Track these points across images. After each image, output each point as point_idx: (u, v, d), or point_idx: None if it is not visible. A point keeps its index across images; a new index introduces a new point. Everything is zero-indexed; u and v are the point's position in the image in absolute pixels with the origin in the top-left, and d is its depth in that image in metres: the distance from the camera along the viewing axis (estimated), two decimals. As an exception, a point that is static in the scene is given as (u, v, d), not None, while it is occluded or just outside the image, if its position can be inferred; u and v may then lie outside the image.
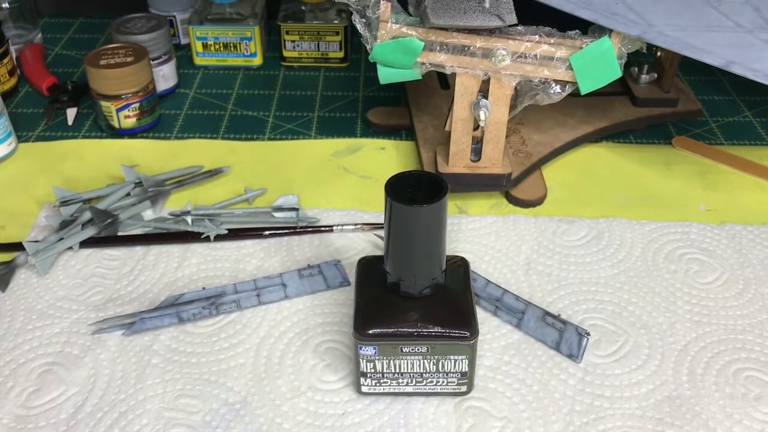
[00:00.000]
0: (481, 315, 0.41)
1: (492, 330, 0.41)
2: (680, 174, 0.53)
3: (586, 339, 0.39)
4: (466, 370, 0.36)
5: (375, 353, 0.35)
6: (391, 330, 0.34)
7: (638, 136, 0.57)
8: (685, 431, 0.36)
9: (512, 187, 0.50)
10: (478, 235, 0.47)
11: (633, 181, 0.52)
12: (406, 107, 0.57)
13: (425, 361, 0.35)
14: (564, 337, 0.39)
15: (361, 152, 0.55)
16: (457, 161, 0.48)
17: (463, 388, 0.37)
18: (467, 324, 0.34)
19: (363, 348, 0.35)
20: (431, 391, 0.37)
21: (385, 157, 0.54)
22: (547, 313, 0.40)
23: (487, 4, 0.40)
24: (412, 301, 0.35)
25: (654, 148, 0.56)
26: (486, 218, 0.48)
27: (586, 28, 0.43)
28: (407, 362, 0.35)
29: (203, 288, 0.43)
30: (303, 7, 0.65)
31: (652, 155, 0.55)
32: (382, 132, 0.57)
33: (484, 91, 0.44)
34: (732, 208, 0.50)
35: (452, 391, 0.37)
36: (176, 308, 0.41)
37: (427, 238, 0.33)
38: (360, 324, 0.35)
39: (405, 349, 0.35)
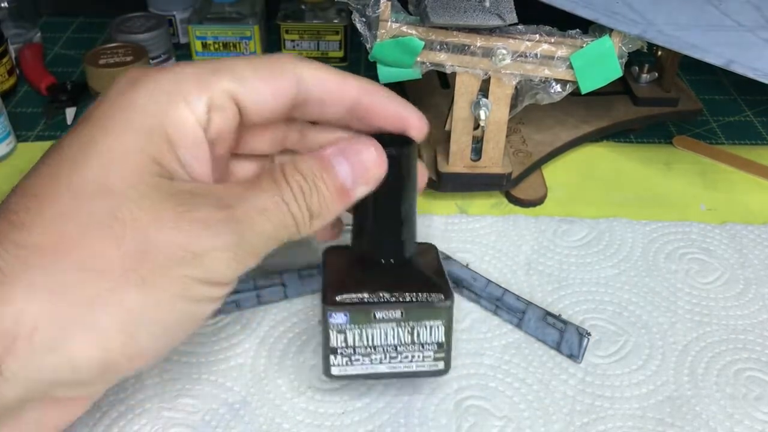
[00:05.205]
0: (482, 314, 0.41)
1: (492, 329, 0.41)
2: (681, 173, 0.53)
3: (586, 339, 0.39)
4: (443, 340, 0.34)
5: (346, 321, 0.33)
6: (362, 294, 0.33)
7: (639, 135, 0.57)
8: (686, 431, 0.36)
9: (512, 187, 0.50)
10: (478, 235, 0.47)
11: (633, 181, 0.52)
12: (406, 107, 0.57)
13: (399, 329, 0.34)
14: (564, 337, 0.39)
15: (361, 152, 0.55)
16: (457, 161, 0.47)
17: (440, 365, 0.35)
18: (441, 287, 0.34)
19: (333, 315, 0.33)
20: (406, 370, 0.35)
21: (385, 157, 0.54)
22: (548, 313, 0.40)
23: (487, 3, 0.40)
24: (384, 270, 0.34)
25: (654, 148, 0.56)
26: (486, 218, 0.48)
27: (586, 27, 0.43)
28: (380, 331, 0.34)
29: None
30: (303, 7, 0.65)
31: (653, 155, 0.55)
32: (382, 131, 0.57)
33: (484, 91, 0.44)
34: (733, 207, 0.50)
35: (429, 369, 0.35)
36: (176, 308, 0.41)
37: (392, 196, 0.33)
38: (330, 291, 0.33)
39: (378, 315, 0.33)
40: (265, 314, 0.41)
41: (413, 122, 0.34)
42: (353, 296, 0.33)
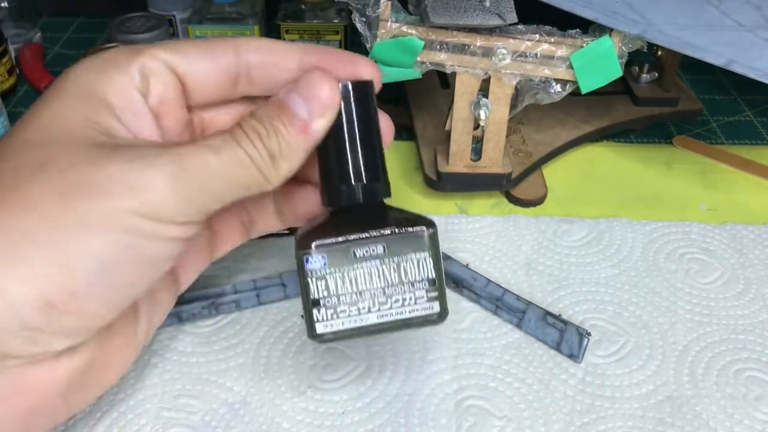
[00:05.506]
0: (482, 314, 0.41)
1: (492, 329, 0.41)
2: (681, 173, 0.53)
3: (586, 339, 0.39)
4: (433, 275, 0.32)
5: (325, 265, 0.31)
6: (339, 236, 0.31)
7: (639, 135, 0.57)
8: (686, 431, 0.36)
9: (512, 187, 0.50)
10: (478, 235, 0.47)
11: (633, 181, 0.52)
12: (406, 107, 0.57)
13: (384, 267, 0.31)
14: (565, 337, 0.39)
15: (361, 152, 0.55)
16: (457, 161, 0.47)
17: (435, 307, 0.32)
18: (422, 220, 0.32)
19: (310, 260, 0.30)
20: (399, 317, 0.32)
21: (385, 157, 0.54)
22: (548, 313, 0.40)
23: (487, 3, 0.40)
24: (358, 215, 0.32)
25: (654, 148, 0.56)
26: (486, 218, 0.48)
27: (586, 27, 0.43)
28: (364, 272, 0.31)
29: (203, 288, 0.43)
30: (303, 6, 0.65)
31: (653, 154, 0.55)
32: (382, 131, 0.57)
33: (484, 91, 0.44)
34: (733, 207, 0.50)
35: (423, 313, 0.32)
36: (175, 308, 0.40)
37: (353, 131, 0.32)
38: (303, 239, 0.31)
39: (359, 253, 0.31)
40: (265, 314, 0.41)
41: (364, 68, 0.33)
42: (329, 240, 0.31)
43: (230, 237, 0.37)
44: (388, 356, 0.39)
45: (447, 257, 0.44)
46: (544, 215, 0.48)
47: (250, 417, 0.36)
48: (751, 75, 0.41)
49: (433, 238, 0.32)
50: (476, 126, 0.46)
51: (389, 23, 0.41)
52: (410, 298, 0.32)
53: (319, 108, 0.31)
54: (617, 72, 0.42)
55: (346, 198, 0.32)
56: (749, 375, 0.38)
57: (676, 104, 0.57)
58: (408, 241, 0.31)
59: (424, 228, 0.32)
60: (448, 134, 0.47)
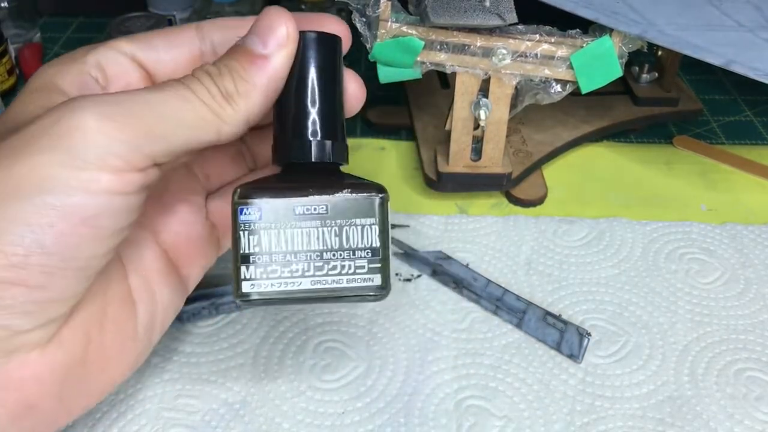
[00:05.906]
0: (482, 314, 0.41)
1: (492, 329, 0.41)
2: (681, 173, 0.53)
3: (587, 339, 0.39)
4: (377, 244, 0.29)
5: (260, 218, 0.28)
6: (280, 192, 0.29)
7: (639, 135, 0.57)
8: (686, 431, 0.36)
9: (513, 187, 0.50)
10: (478, 235, 0.47)
11: (634, 181, 0.52)
12: (406, 107, 0.57)
13: (325, 229, 0.29)
14: (565, 337, 0.39)
15: (361, 152, 0.55)
16: (458, 161, 0.47)
17: (377, 279, 0.29)
18: (375, 186, 0.30)
19: (244, 211, 0.28)
20: (336, 286, 0.29)
21: (385, 157, 0.54)
22: (548, 313, 0.40)
23: (487, 3, 0.40)
24: (309, 174, 0.30)
25: (655, 148, 0.56)
26: (486, 218, 0.48)
27: (586, 27, 0.43)
28: (302, 233, 0.29)
29: (203, 288, 0.43)
30: (302, 6, 0.65)
31: (653, 155, 0.55)
32: (382, 132, 0.57)
33: (484, 91, 0.44)
34: (733, 207, 0.50)
35: (363, 284, 0.29)
36: (175, 308, 0.41)
37: (312, 81, 0.30)
38: (241, 189, 0.29)
39: (299, 210, 0.29)
40: (265, 314, 0.41)
41: (332, 25, 0.32)
42: (269, 193, 0.29)
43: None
44: (388, 356, 0.39)
45: (447, 257, 0.44)
46: (544, 215, 0.48)
47: (250, 417, 0.36)
48: (751, 75, 0.41)
49: (383, 206, 0.29)
50: (476, 126, 0.46)
51: (389, 23, 0.41)
52: (349, 266, 0.29)
53: (274, 40, 0.29)
54: (617, 72, 0.42)
55: (297, 153, 0.30)
56: (749, 375, 0.38)
57: (676, 104, 0.57)
58: (355, 206, 0.29)
59: (374, 194, 0.29)
60: (448, 134, 0.47)
